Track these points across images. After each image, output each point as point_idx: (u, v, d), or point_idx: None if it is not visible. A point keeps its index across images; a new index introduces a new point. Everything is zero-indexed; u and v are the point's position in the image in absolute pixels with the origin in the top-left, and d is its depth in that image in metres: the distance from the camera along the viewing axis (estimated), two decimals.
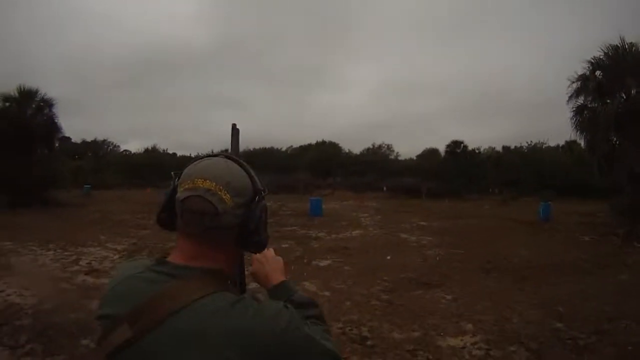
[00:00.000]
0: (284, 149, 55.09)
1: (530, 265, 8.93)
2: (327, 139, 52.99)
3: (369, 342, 5.00)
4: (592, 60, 16.42)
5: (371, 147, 53.89)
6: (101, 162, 50.29)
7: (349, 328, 5.45)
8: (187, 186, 0.93)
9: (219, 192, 0.92)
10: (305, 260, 9.72)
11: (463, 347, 4.75)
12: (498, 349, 4.63)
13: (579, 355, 4.39)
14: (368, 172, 40.49)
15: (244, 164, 1.02)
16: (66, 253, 10.00)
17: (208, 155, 1.04)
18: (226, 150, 1.11)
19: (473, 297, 6.67)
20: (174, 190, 0.98)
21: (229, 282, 1.01)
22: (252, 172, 1.02)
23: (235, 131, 1.32)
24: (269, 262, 1.26)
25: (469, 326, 5.41)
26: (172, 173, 1.04)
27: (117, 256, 9.74)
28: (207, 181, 0.92)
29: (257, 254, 1.21)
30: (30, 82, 23.51)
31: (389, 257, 10.06)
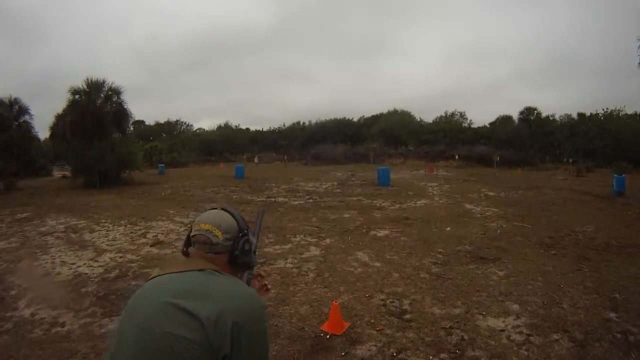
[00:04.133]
0: (355, 119, 54.43)
1: (594, 243, 8.03)
2: (398, 107, 51.47)
3: (406, 316, 4.78)
4: None
5: (444, 115, 52.02)
6: (175, 141, 51.35)
7: (391, 300, 5.27)
8: (196, 228, 1.44)
9: (214, 231, 1.42)
10: (363, 230, 9.51)
11: (502, 330, 4.35)
12: (539, 336, 4.17)
13: (625, 352, 3.79)
14: (440, 140, 39.01)
15: (234, 212, 1.51)
16: (136, 228, 10.35)
17: (212, 208, 1.52)
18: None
19: (526, 275, 6.12)
20: (190, 232, 1.47)
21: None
22: (238, 218, 1.50)
23: (260, 214, 1.85)
24: None
25: (515, 307, 4.97)
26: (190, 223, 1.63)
27: (182, 229, 9.94)
28: (207, 224, 1.43)
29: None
30: (101, 74, 24.63)
31: (448, 229, 9.61)
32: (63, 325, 4.74)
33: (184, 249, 1.52)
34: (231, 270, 1.46)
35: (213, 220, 1.46)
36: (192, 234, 1.47)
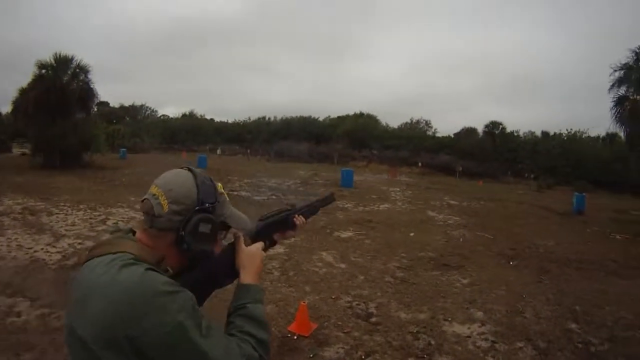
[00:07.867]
0: (321, 118, 54.47)
1: (555, 257, 8.28)
2: (364, 110, 51.78)
3: (373, 319, 4.76)
4: (637, 50, 15.06)
5: (409, 122, 52.79)
6: (139, 126, 50.63)
7: (357, 303, 5.24)
8: (149, 189, 1.08)
9: (160, 198, 1.03)
10: (327, 231, 9.46)
11: (468, 336, 4.39)
12: (504, 343, 4.24)
13: None
14: (404, 146, 39.42)
15: (202, 176, 1.09)
16: (95, 213, 9.93)
17: (180, 167, 1.12)
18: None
19: (489, 284, 6.23)
20: None
21: (159, 264, 1.02)
22: (202, 184, 1.07)
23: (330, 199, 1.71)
24: (246, 257, 1.22)
25: (479, 314, 5.04)
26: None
27: (143, 216, 9.64)
28: (156, 187, 1.06)
29: (250, 247, 1.23)
30: (68, 51, 23.59)
31: (412, 234, 9.69)
32: (19, 315, 4.44)
33: None
34: (179, 257, 1.07)
35: (165, 183, 1.06)
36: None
